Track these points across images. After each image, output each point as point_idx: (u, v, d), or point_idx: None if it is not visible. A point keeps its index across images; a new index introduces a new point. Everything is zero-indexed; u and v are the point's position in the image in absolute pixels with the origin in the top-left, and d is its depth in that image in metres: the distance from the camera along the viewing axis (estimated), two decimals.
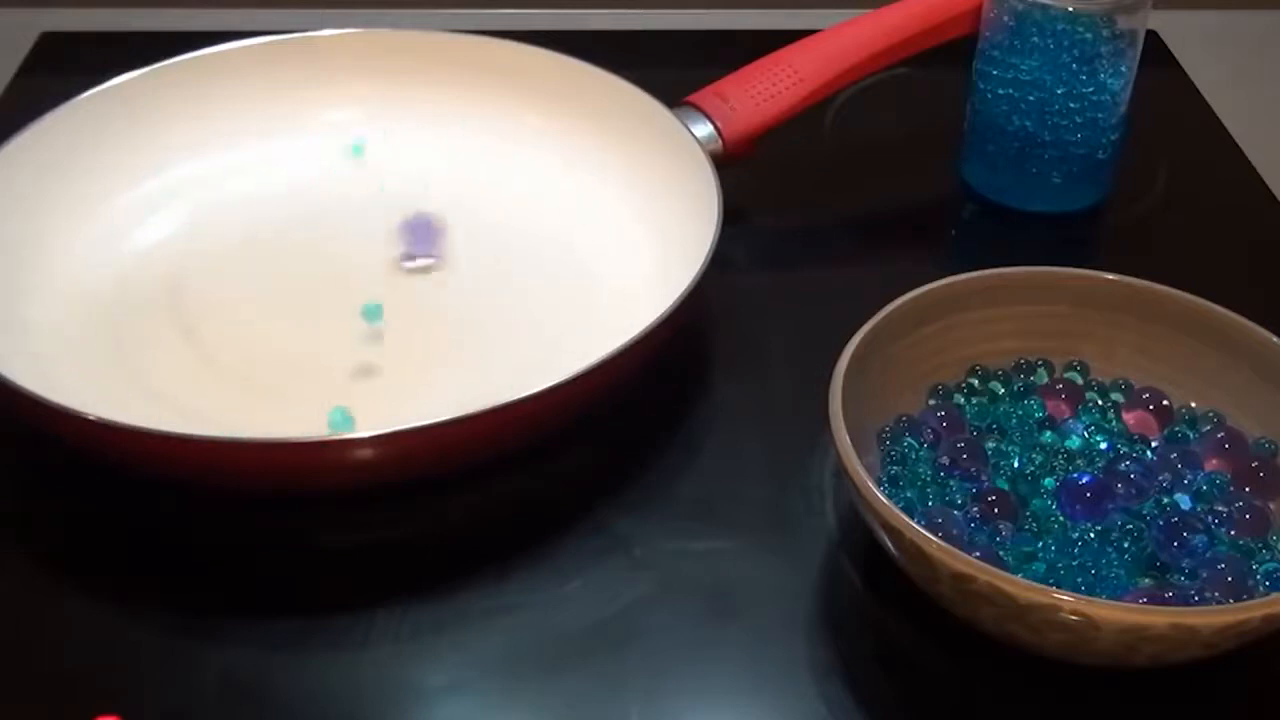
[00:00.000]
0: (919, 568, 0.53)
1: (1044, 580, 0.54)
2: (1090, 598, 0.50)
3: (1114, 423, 0.61)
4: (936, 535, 0.51)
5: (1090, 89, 0.74)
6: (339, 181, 0.77)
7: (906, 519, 0.52)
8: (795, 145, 0.79)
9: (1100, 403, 0.62)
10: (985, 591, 0.50)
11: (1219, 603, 0.53)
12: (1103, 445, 0.59)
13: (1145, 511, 0.57)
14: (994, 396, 0.62)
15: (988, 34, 0.76)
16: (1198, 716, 0.55)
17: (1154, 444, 0.60)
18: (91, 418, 0.58)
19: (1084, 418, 0.61)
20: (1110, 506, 0.56)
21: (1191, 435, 0.61)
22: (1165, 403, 0.62)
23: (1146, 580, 0.55)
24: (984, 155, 0.79)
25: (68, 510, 0.61)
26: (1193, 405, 0.62)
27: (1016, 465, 0.58)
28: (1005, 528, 0.56)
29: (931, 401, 0.62)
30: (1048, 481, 0.58)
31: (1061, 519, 0.56)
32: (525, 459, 0.62)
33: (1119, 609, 0.50)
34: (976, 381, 0.63)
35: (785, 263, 0.77)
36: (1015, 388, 0.63)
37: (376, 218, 0.74)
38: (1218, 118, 0.87)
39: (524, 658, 0.55)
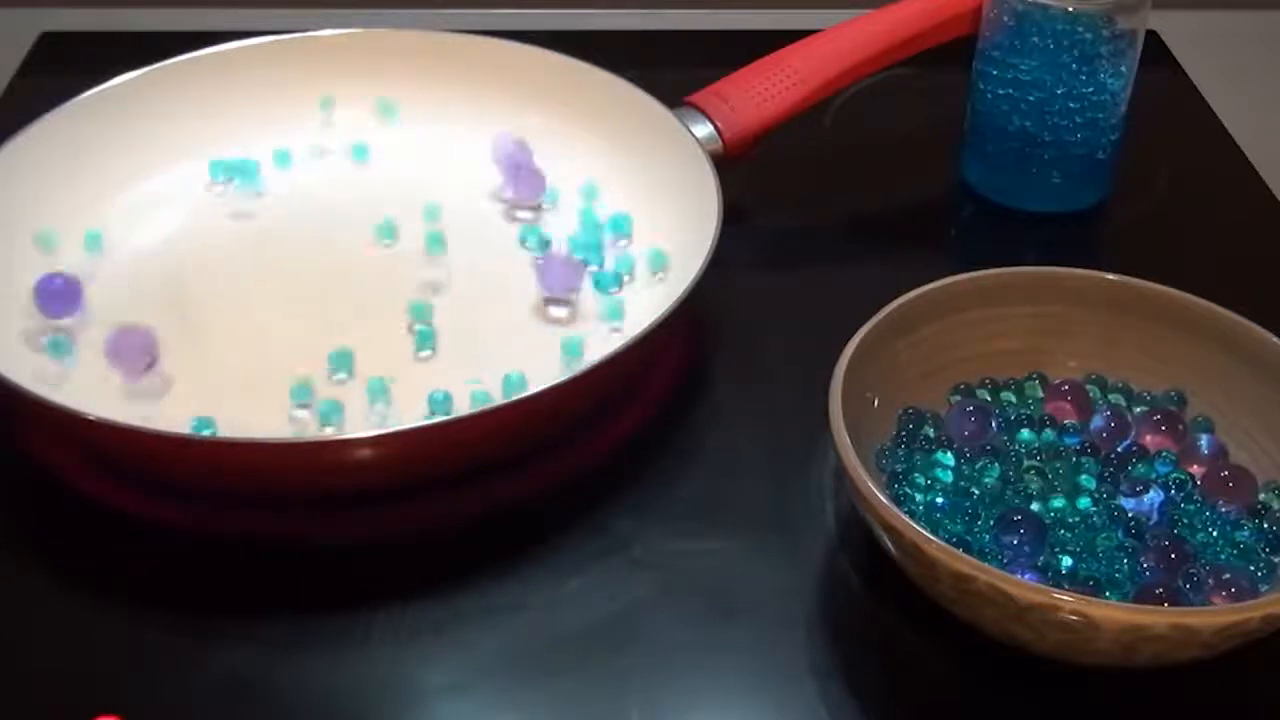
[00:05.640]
0: (919, 568, 0.53)
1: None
2: (1090, 598, 0.50)
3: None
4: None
5: (1090, 89, 0.74)
6: (339, 181, 0.77)
7: (906, 519, 0.52)
8: (795, 145, 0.79)
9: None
10: (985, 591, 0.50)
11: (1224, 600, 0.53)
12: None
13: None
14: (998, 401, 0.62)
15: (988, 34, 0.76)
16: (1198, 716, 0.55)
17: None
18: (92, 418, 0.58)
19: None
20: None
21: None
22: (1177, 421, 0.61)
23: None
24: (984, 155, 0.79)
25: (68, 510, 0.61)
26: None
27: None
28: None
29: (933, 401, 0.62)
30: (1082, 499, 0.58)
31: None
32: (525, 459, 0.62)
33: (1119, 609, 0.50)
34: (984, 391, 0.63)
35: (785, 263, 0.77)
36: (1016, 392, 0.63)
37: (377, 217, 0.74)
38: (1218, 118, 0.87)
39: (524, 658, 0.55)
